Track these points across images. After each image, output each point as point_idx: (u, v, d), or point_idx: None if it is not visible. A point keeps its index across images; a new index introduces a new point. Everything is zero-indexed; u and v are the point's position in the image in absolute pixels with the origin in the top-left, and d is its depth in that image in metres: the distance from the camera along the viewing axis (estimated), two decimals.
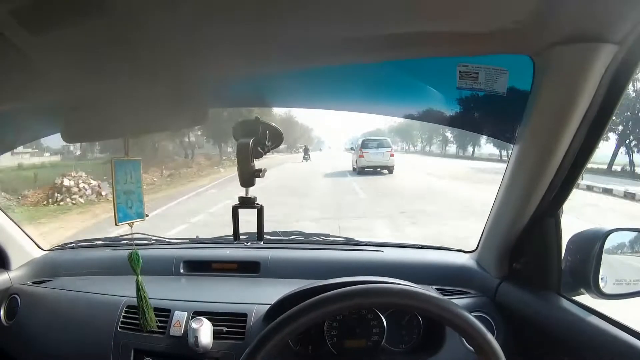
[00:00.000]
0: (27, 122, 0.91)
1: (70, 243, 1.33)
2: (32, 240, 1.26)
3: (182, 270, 1.15)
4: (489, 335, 0.59)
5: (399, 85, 0.80)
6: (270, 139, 0.81)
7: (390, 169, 10.98)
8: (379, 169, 10.89)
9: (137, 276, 0.89)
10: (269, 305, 0.91)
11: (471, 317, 0.60)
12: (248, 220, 0.90)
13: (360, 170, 11.09)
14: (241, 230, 0.89)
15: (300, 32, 0.57)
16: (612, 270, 0.82)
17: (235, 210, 0.81)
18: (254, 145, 0.78)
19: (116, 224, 0.80)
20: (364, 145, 11.19)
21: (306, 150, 20.97)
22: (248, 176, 0.79)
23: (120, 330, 0.94)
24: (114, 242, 1.30)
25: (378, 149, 11.12)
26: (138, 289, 0.90)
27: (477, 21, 0.56)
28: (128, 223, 0.83)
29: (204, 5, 0.49)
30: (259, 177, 0.79)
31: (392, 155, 11.12)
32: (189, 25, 0.52)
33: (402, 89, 0.81)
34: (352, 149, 12.28)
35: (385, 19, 0.54)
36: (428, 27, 0.57)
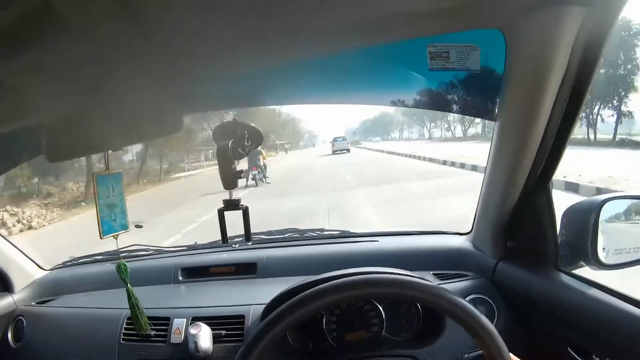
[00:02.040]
0: (8, 148, 0.91)
1: (70, 261, 1.34)
2: (32, 261, 1.27)
3: (180, 278, 1.15)
4: (484, 319, 0.57)
5: (373, 73, 0.78)
6: (249, 139, 0.80)
7: (348, 150, 22.98)
8: (344, 151, 22.41)
9: (127, 285, 0.90)
10: (265, 305, 0.91)
11: (463, 301, 0.58)
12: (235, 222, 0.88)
13: (334, 152, 22.35)
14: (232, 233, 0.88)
15: (264, 24, 0.56)
16: (611, 239, 0.81)
17: (221, 214, 0.81)
18: (234, 146, 0.78)
19: (101, 238, 0.80)
20: (335, 140, 24.19)
21: (253, 157, 9.15)
22: (231, 178, 0.78)
23: (123, 342, 0.95)
24: (113, 256, 1.30)
25: (342, 141, 23.91)
26: (129, 297, 0.91)
27: None
28: (112, 235, 0.83)
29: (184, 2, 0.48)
30: (241, 178, 0.78)
31: (348, 143, 24.45)
32: (170, 22, 0.51)
33: (376, 76, 0.79)
34: (330, 142, 25.66)
35: (352, 4, 0.53)
36: (395, 8, 0.55)
